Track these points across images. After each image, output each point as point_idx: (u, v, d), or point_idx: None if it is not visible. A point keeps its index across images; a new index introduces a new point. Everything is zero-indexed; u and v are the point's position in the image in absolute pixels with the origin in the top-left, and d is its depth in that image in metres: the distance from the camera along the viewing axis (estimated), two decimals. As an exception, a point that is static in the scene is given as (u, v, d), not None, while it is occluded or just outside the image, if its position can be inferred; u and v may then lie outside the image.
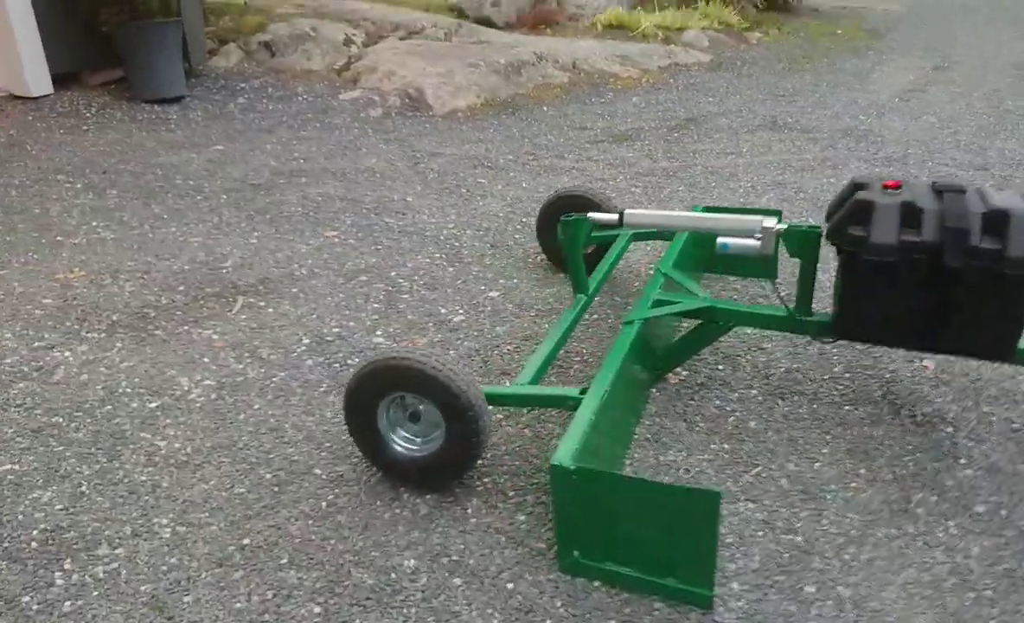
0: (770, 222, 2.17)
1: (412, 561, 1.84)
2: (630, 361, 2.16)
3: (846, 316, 2.12)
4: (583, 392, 1.93)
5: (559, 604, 1.72)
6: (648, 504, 1.64)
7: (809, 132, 5.78)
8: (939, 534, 1.89)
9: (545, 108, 6.60)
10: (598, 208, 3.04)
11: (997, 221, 1.85)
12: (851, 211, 1.98)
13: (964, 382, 2.50)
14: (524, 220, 3.95)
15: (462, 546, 1.88)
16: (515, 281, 3.29)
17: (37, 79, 5.93)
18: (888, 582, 1.76)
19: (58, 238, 3.72)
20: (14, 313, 2.99)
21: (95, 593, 1.76)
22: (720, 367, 2.63)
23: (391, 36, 8.10)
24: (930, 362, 2.62)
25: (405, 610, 1.71)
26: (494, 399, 2.03)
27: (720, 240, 2.25)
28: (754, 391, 2.48)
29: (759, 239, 2.19)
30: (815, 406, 2.40)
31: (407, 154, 5.18)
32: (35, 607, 1.71)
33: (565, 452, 1.69)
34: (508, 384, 2.42)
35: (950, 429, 2.28)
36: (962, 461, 2.14)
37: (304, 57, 7.38)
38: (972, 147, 5.30)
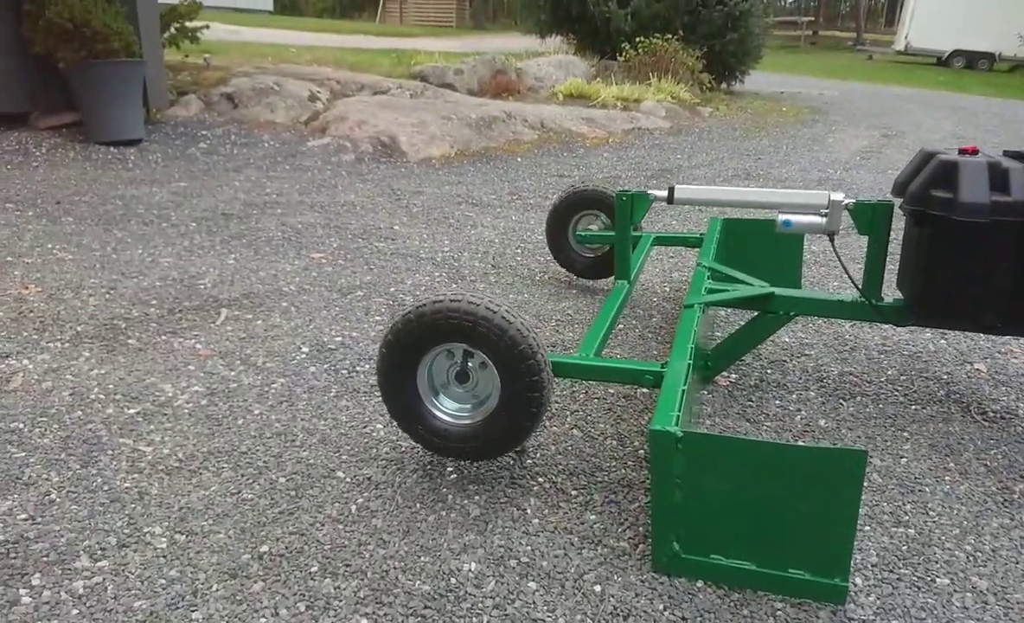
0: (838, 196, 2.01)
1: (473, 565, 1.52)
2: (695, 346, 1.93)
3: (931, 294, 1.94)
4: (664, 366, 1.68)
5: (661, 607, 1.42)
6: (774, 473, 1.38)
7: (783, 181, 5.83)
8: (1060, 522, 1.69)
9: (519, 159, 6.53)
10: (612, 206, 2.88)
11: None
12: (934, 172, 1.84)
13: (1022, 381, 2.36)
14: (521, 246, 3.76)
15: (530, 548, 1.57)
16: (526, 296, 3.06)
17: (-21, 116, 5.54)
18: (1017, 571, 1.53)
19: (8, 259, 3.32)
20: (-43, 324, 2.57)
21: (74, 612, 1.37)
22: (769, 371, 2.42)
23: (357, 95, 8.00)
24: (982, 364, 2.48)
25: (473, 619, 1.38)
26: (561, 369, 1.76)
27: (781, 217, 2.07)
28: (812, 393, 2.28)
29: (825, 215, 2.03)
30: (881, 406, 2.20)
31: (387, 192, 4.97)
32: (-6, 630, 1.32)
33: (665, 418, 1.42)
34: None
35: (1028, 424, 2.11)
36: (1053, 452, 1.96)
37: (268, 109, 7.18)
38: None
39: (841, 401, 2.23)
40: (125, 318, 2.70)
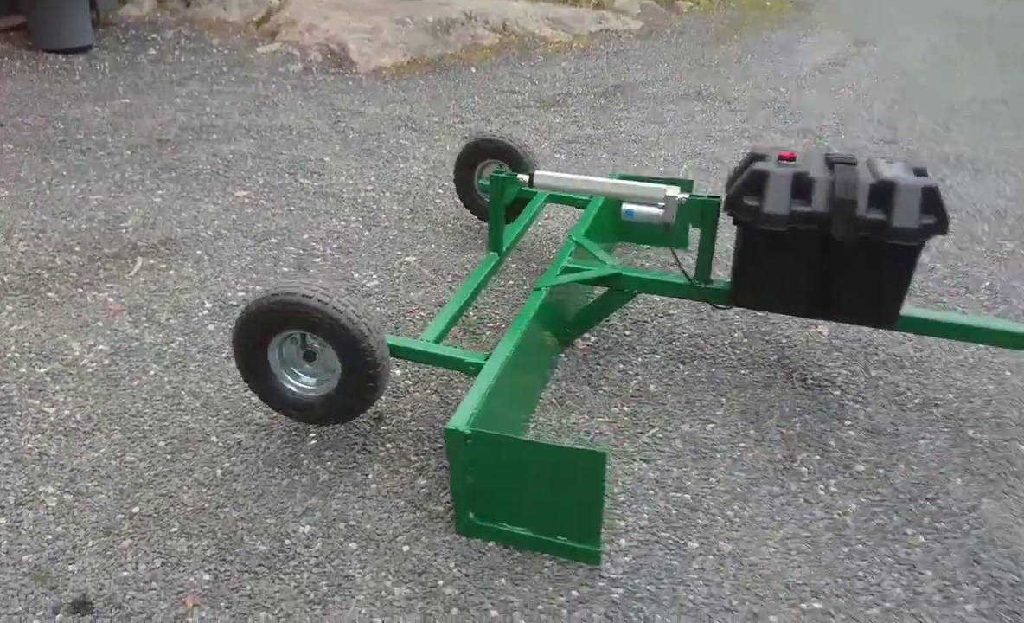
0: (673, 191, 2.20)
1: (308, 527, 1.83)
2: (536, 328, 2.18)
3: (741, 285, 2.19)
4: (487, 358, 1.94)
5: (453, 565, 1.74)
6: (539, 465, 1.67)
7: (731, 103, 5.88)
8: (819, 492, 2.00)
9: (473, 69, 6.51)
10: (518, 156, 3.04)
11: (883, 193, 1.93)
12: (746, 182, 2.03)
13: (855, 347, 2.62)
14: (447, 184, 3.91)
15: (360, 511, 1.88)
16: (433, 246, 3.27)
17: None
18: (768, 537, 1.85)
19: (-57, 194, 3.49)
20: None
21: (-30, 566, 1.69)
22: (628, 332, 2.68)
23: (315, -11, 7.81)
24: (824, 328, 2.73)
25: (297, 576, 1.70)
26: (397, 351, 2.02)
27: (625, 207, 2.27)
28: (658, 356, 2.55)
29: (662, 207, 2.23)
30: (714, 370, 2.48)
31: (327, 113, 5.04)
32: (-98, 582, 1.64)
33: (461, 417, 1.70)
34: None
35: (838, 392, 2.39)
36: (847, 422, 2.25)
37: (220, 7, 7.06)
38: (884, 121, 5.49)
39: (679, 364, 2.50)
40: (48, 267, 2.92)
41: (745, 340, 2.65)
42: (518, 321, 2.12)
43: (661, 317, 2.77)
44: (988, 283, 3.11)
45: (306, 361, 1.97)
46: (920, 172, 2.00)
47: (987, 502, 1.98)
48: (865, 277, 2.02)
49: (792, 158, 2.06)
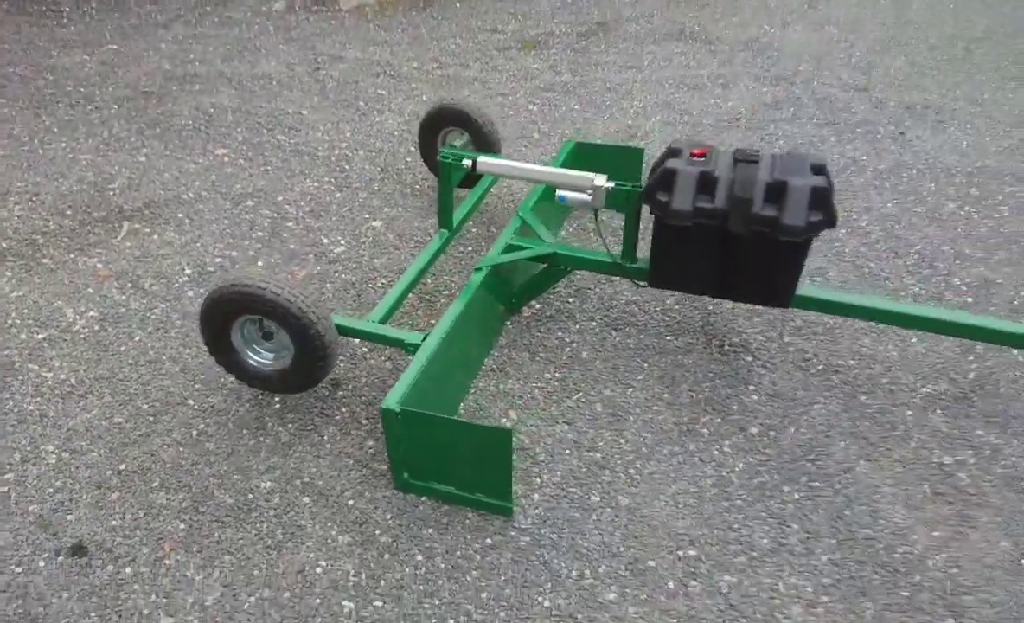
0: (600, 181, 2.42)
1: (269, 483, 2.15)
2: (474, 307, 2.44)
3: (655, 268, 2.43)
4: (424, 337, 2.21)
5: (389, 516, 2.06)
6: (458, 438, 1.97)
7: (712, 43, 5.92)
8: (714, 452, 2.29)
9: (458, 4, 6.53)
10: (477, 125, 3.22)
11: (777, 191, 2.15)
12: (658, 179, 2.24)
13: (775, 315, 2.87)
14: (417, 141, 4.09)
15: (315, 470, 2.20)
16: (400, 209, 3.49)
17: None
18: (661, 492, 2.16)
19: (-58, 154, 3.72)
20: (-101, 239, 3.07)
21: (-15, 516, 2.02)
22: (571, 299, 2.94)
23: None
24: (752, 294, 2.97)
25: (258, 525, 2.03)
26: (345, 331, 2.29)
27: (558, 193, 2.49)
28: (594, 323, 2.81)
29: (590, 195, 2.44)
30: (642, 336, 2.75)
31: (307, 58, 5.16)
32: (-70, 529, 1.98)
33: (394, 396, 1.98)
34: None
35: (750, 358, 2.66)
36: (751, 387, 2.53)
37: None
38: (861, 64, 5.54)
39: (612, 331, 2.77)
40: (43, 232, 3.18)
41: (676, 307, 2.90)
42: (456, 302, 2.38)
43: (604, 284, 3.02)
44: (919, 247, 3.32)
45: (265, 340, 2.25)
46: (818, 169, 2.20)
47: (862, 464, 2.27)
48: (760, 266, 2.26)
49: (703, 155, 2.27)
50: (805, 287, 2.40)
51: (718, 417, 2.41)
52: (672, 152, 2.32)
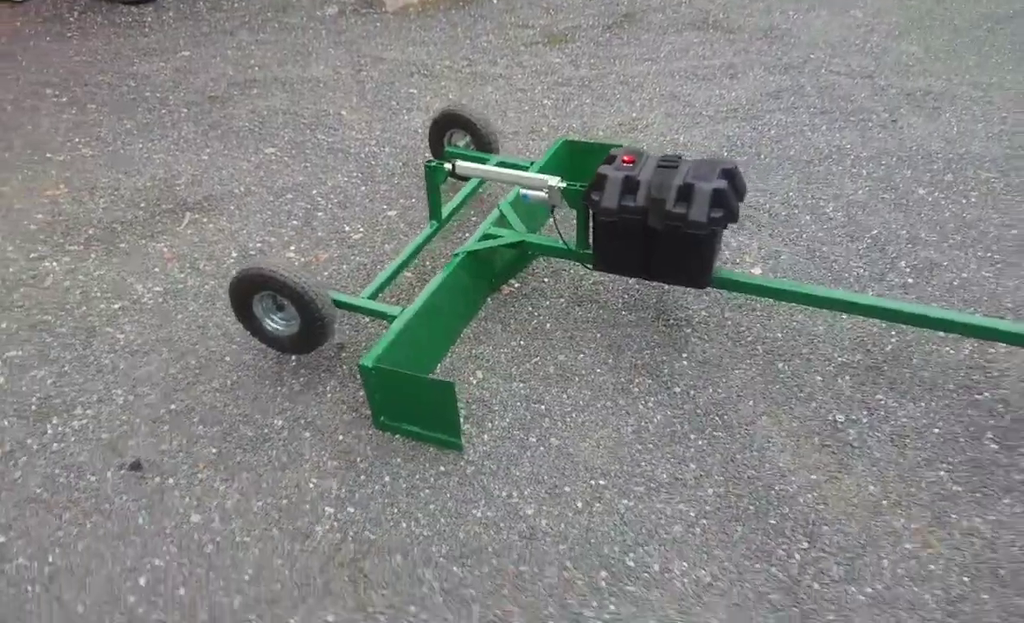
0: (554, 181, 2.90)
1: (280, 421, 2.76)
2: (451, 285, 2.96)
3: (597, 255, 2.90)
4: (401, 311, 2.76)
5: (369, 449, 2.64)
6: (418, 390, 2.52)
7: (732, 32, 6.18)
8: (639, 407, 2.76)
9: (495, 1, 6.99)
10: (478, 130, 3.74)
11: (685, 192, 2.59)
12: (593, 181, 2.72)
13: (720, 295, 3.28)
14: (436, 136, 4.63)
15: (316, 412, 2.80)
16: (413, 200, 4.05)
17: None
18: (588, 437, 2.65)
19: (48, 156, 4.51)
20: (14, 228, 3.85)
21: (72, 439, 2.72)
22: (546, 279, 3.43)
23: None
24: (705, 275, 3.39)
25: (269, 452, 2.65)
26: (341, 305, 2.87)
27: (522, 192, 3.00)
28: (562, 300, 3.30)
29: (547, 193, 2.93)
30: (600, 311, 3.22)
31: (353, 61, 5.76)
32: (35, 447, 2.69)
33: (371, 356, 2.55)
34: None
35: (689, 330, 3.09)
36: (684, 355, 2.97)
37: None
38: (875, 50, 5.70)
39: (576, 307, 3.25)
40: (121, 221, 3.91)
41: (636, 287, 3.35)
42: (432, 281, 2.92)
43: (575, 268, 3.50)
44: (876, 232, 3.63)
45: (278, 311, 2.86)
46: (727, 174, 2.62)
47: (763, 419, 2.69)
48: (677, 254, 2.70)
49: (632, 161, 2.72)
50: (724, 271, 2.83)
51: (650, 378, 2.87)
52: (608, 159, 2.78)
